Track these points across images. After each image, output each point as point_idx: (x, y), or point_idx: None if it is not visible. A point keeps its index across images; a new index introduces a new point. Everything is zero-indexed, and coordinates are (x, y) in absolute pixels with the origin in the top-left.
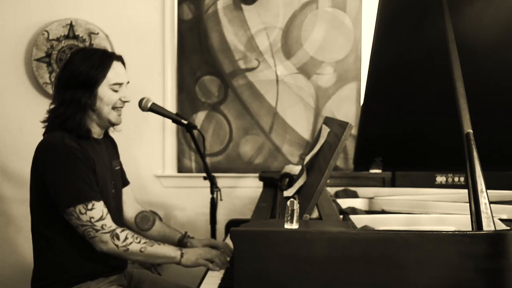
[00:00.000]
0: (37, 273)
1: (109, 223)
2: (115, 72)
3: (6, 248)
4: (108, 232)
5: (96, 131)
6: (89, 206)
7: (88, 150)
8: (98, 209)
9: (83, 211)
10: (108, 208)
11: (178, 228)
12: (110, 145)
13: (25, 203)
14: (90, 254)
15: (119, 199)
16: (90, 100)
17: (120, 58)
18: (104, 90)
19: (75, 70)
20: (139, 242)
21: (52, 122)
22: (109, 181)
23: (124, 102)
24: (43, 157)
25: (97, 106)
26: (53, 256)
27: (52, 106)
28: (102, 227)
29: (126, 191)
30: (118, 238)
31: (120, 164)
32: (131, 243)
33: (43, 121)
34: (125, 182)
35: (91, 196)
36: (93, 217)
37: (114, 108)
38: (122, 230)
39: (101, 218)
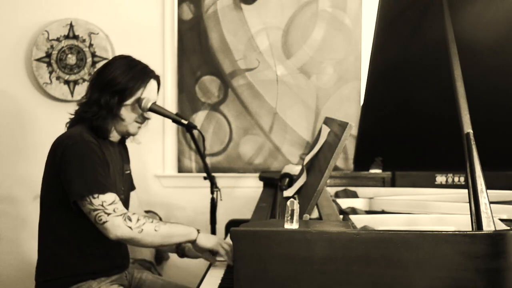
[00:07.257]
0: (40, 268)
1: (120, 207)
2: (148, 89)
3: (9, 247)
4: (120, 215)
5: (114, 135)
6: (102, 192)
7: (104, 150)
8: (110, 196)
9: (95, 196)
10: None
11: None
12: (122, 149)
13: (25, 202)
14: (94, 252)
15: (127, 205)
16: (120, 108)
17: (158, 78)
18: (133, 102)
19: (116, 77)
20: (152, 222)
21: (81, 115)
22: (120, 186)
23: (145, 118)
24: (62, 149)
25: (123, 115)
26: (58, 252)
27: (84, 101)
28: (114, 210)
29: (131, 196)
30: (130, 220)
31: (130, 169)
32: (144, 223)
33: (73, 114)
34: (132, 187)
35: (105, 188)
36: (105, 201)
37: (136, 121)
38: (133, 213)
39: (113, 202)
